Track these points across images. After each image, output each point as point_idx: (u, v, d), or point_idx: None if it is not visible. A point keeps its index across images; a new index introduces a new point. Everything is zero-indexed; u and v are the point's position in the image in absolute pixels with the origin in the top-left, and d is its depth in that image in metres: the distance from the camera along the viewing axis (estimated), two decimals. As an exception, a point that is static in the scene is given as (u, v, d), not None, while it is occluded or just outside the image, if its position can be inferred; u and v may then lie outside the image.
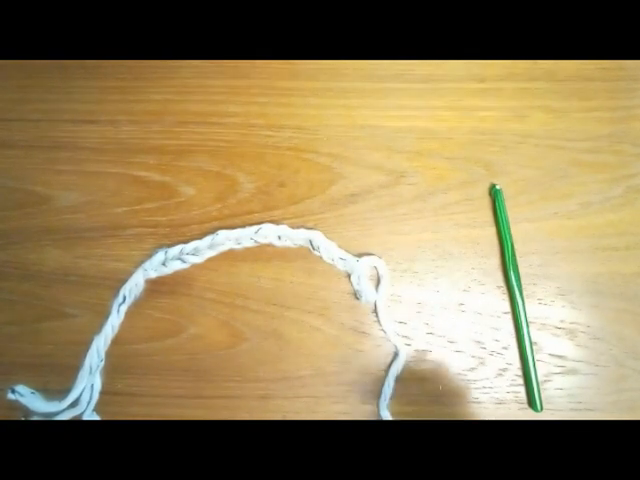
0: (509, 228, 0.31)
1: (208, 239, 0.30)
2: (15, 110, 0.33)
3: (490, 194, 0.32)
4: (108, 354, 0.29)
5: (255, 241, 0.31)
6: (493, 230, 0.32)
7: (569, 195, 0.32)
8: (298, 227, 0.31)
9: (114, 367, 0.29)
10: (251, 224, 0.31)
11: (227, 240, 0.30)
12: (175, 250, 0.30)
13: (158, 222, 0.32)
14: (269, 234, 0.31)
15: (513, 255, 0.31)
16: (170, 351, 0.30)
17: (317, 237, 0.30)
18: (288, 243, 0.31)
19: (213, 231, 0.31)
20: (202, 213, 0.32)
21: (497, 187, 0.32)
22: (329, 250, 0.30)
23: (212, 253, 0.31)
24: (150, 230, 0.31)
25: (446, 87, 0.34)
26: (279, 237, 0.31)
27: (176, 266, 0.30)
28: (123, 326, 0.30)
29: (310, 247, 0.31)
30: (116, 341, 0.30)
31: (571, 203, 0.32)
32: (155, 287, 0.31)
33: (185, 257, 0.30)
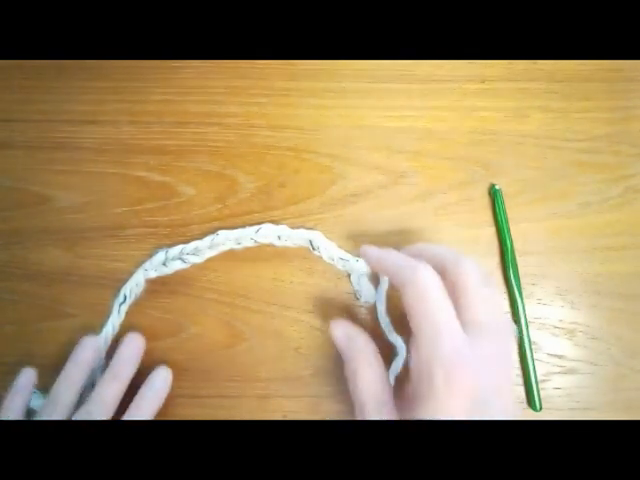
0: (508, 228, 0.31)
1: (208, 239, 0.30)
2: (15, 110, 0.33)
3: (490, 194, 0.32)
4: (109, 354, 0.29)
5: (255, 241, 0.31)
6: (492, 230, 0.32)
7: (568, 195, 0.32)
8: (298, 227, 0.31)
9: (115, 367, 0.29)
10: (251, 224, 0.31)
11: (227, 240, 0.31)
12: (175, 250, 0.30)
13: (158, 222, 0.32)
14: (269, 234, 0.31)
15: (512, 255, 0.31)
16: (170, 351, 0.30)
17: (317, 237, 0.30)
18: (288, 243, 0.31)
19: (213, 231, 0.31)
20: (202, 213, 0.32)
21: (496, 187, 0.32)
22: (329, 250, 0.30)
23: (212, 253, 0.31)
24: (150, 230, 0.31)
25: (446, 87, 0.34)
26: (279, 237, 0.31)
27: (176, 266, 0.30)
28: (124, 326, 0.30)
29: (310, 247, 0.31)
30: (117, 341, 0.30)
31: (570, 203, 0.32)
32: (155, 287, 0.31)
33: (185, 257, 0.30)
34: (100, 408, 0.26)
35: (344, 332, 0.26)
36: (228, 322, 0.30)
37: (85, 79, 0.34)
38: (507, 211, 0.32)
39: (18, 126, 0.33)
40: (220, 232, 0.31)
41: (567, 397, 0.30)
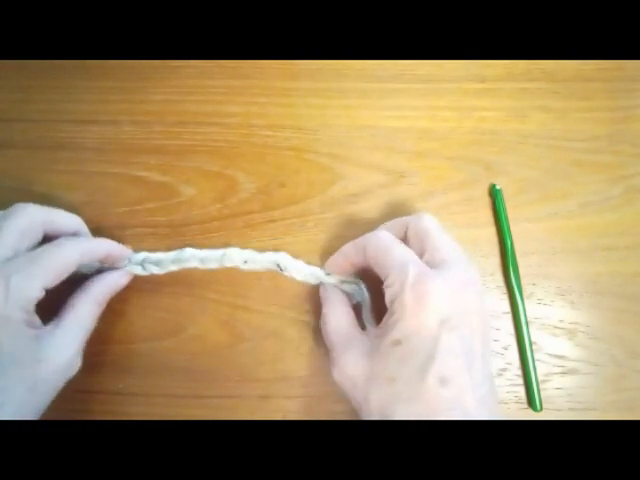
0: (509, 228, 0.31)
1: (173, 254, 0.30)
2: (16, 110, 0.33)
3: (490, 194, 0.32)
4: (108, 354, 0.29)
5: (221, 264, 0.30)
6: (493, 230, 0.32)
7: (569, 195, 0.32)
8: (298, 228, 0.31)
9: (114, 367, 0.29)
10: (251, 224, 0.31)
11: (192, 258, 0.30)
12: (139, 257, 0.30)
13: (158, 222, 0.32)
14: (235, 258, 0.30)
15: (513, 255, 0.31)
16: (170, 351, 0.30)
17: (283, 258, 0.30)
18: (255, 266, 0.30)
19: (214, 231, 0.31)
20: (202, 213, 0.32)
21: (497, 187, 0.32)
22: (298, 269, 0.30)
23: (175, 268, 0.30)
24: (150, 230, 0.31)
25: (446, 87, 0.34)
26: (245, 261, 0.30)
27: (136, 271, 0.30)
28: (123, 326, 0.30)
29: (278, 269, 0.30)
30: (116, 341, 0.30)
31: (571, 203, 0.32)
32: (155, 287, 0.30)
33: (147, 265, 0.30)
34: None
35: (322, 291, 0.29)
36: (228, 322, 0.30)
37: (85, 79, 0.34)
38: (507, 211, 0.32)
39: (18, 126, 0.33)
40: (187, 249, 0.30)
41: (568, 397, 0.29)
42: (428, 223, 0.26)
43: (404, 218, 0.27)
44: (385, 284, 0.24)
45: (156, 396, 0.29)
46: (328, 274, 0.30)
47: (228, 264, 0.30)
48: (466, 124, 0.34)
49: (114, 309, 0.30)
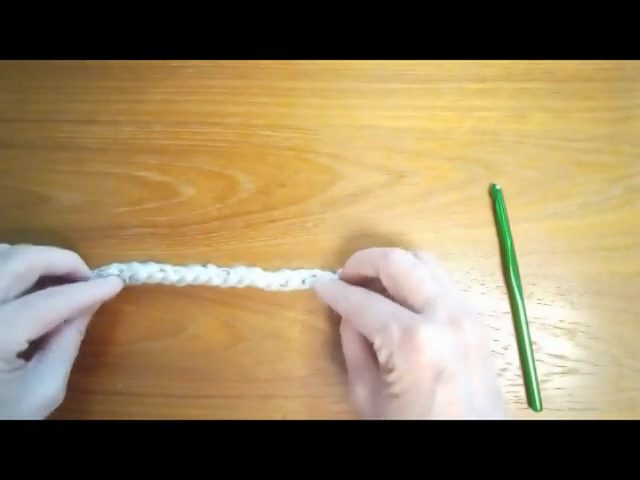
0: (509, 228, 0.31)
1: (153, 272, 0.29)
2: (16, 110, 0.33)
3: (490, 194, 0.32)
4: (108, 354, 0.29)
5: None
6: (493, 230, 0.32)
7: (569, 195, 0.32)
8: (298, 228, 0.31)
9: (114, 367, 0.29)
10: (251, 224, 0.31)
11: (170, 276, 0.29)
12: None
13: (158, 222, 0.32)
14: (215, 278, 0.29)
15: (513, 255, 0.31)
16: (170, 351, 0.30)
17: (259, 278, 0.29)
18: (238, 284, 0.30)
19: (214, 231, 0.31)
20: (202, 213, 0.32)
21: (497, 187, 0.32)
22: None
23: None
24: (150, 230, 0.31)
25: (446, 87, 0.34)
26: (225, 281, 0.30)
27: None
28: (123, 326, 0.30)
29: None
30: (116, 341, 0.30)
31: (571, 203, 0.32)
32: (155, 287, 0.30)
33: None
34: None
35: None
36: (228, 322, 0.30)
37: (85, 79, 0.34)
38: (507, 211, 0.32)
39: (18, 126, 0.33)
40: (167, 268, 0.29)
41: (568, 397, 0.30)
42: (397, 262, 0.24)
43: (372, 254, 0.26)
44: (374, 347, 0.23)
45: (156, 396, 0.29)
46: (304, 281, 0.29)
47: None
48: (466, 124, 0.34)
49: (114, 309, 0.30)
